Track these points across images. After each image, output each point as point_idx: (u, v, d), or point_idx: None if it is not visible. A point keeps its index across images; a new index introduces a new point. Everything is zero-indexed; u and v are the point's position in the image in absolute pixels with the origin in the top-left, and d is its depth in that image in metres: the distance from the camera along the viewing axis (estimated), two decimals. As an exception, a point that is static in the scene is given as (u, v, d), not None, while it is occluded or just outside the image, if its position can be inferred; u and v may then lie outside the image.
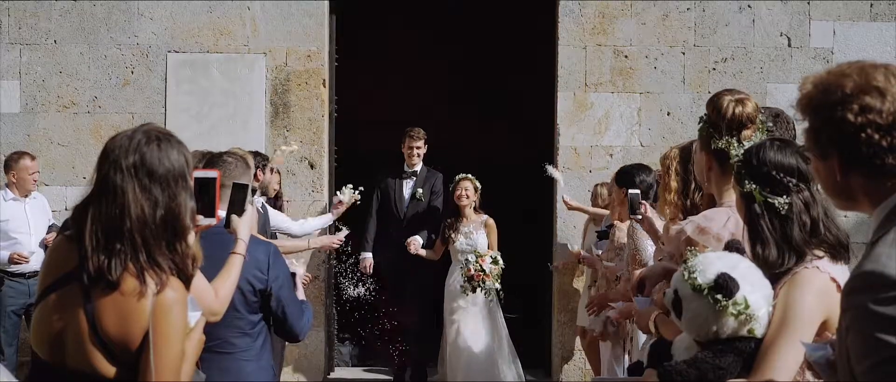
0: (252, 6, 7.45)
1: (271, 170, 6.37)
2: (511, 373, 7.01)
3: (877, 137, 1.76)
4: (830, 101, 1.82)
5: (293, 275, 3.74)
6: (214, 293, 3.10)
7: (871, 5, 7.45)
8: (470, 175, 7.29)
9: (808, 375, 2.44)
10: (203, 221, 2.81)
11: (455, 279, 7.10)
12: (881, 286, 1.66)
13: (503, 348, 7.02)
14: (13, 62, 7.46)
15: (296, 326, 3.56)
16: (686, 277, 2.43)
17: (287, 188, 7.25)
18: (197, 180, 2.70)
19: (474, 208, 7.26)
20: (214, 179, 2.93)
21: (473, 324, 6.97)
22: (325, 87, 7.54)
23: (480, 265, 6.86)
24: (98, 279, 2.32)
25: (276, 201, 6.63)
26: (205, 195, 2.81)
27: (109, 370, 2.37)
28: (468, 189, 7.22)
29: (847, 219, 7.18)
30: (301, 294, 3.79)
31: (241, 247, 3.27)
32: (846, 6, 7.45)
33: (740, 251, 2.53)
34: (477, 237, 7.09)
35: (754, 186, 2.54)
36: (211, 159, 3.74)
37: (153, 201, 2.36)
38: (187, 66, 7.47)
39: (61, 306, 2.37)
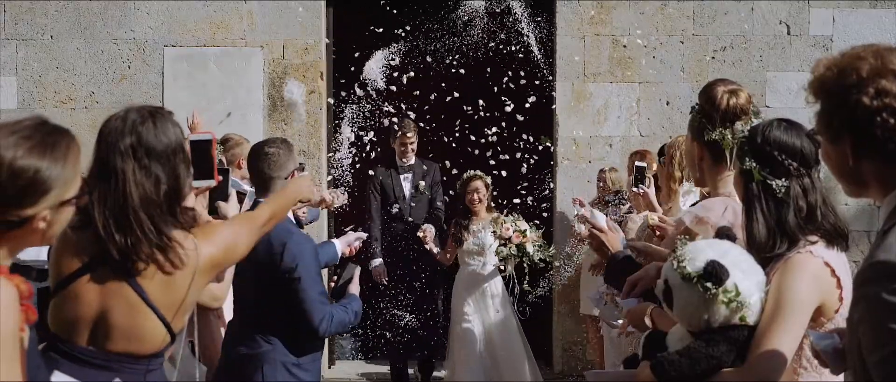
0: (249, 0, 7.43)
1: None
2: (526, 374, 6.72)
3: (892, 121, 1.74)
4: (845, 83, 1.79)
5: (353, 266, 3.71)
6: (215, 279, 3.11)
7: (871, -8, 7.44)
8: (479, 172, 6.94)
9: (804, 362, 2.43)
10: (202, 184, 2.84)
11: (464, 279, 6.85)
12: (894, 275, 1.64)
13: (517, 348, 6.75)
14: (10, 58, 7.43)
15: (313, 319, 3.52)
16: (675, 266, 2.39)
17: (286, 182, 7.22)
18: (192, 143, 2.71)
19: (487, 207, 6.91)
20: (210, 141, 2.94)
21: (484, 326, 6.72)
22: (322, 79, 7.51)
23: (519, 226, 6.51)
24: (127, 261, 2.37)
25: None
26: (201, 158, 2.81)
27: (158, 341, 2.46)
28: (480, 190, 6.84)
29: (848, 207, 7.18)
30: (354, 288, 3.76)
31: None
32: (845, -7, 7.45)
33: (732, 238, 2.50)
34: (485, 236, 6.76)
35: (754, 164, 2.52)
36: (253, 150, 3.75)
37: (154, 179, 2.41)
38: (184, 60, 7.44)
39: (98, 289, 2.41)
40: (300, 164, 3.80)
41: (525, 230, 6.58)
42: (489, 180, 6.97)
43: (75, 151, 2.04)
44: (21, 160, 1.92)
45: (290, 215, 3.74)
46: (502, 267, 6.76)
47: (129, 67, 7.44)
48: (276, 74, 7.46)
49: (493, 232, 6.67)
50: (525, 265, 6.65)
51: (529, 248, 6.53)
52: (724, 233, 2.52)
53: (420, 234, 6.91)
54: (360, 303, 3.79)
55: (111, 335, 2.41)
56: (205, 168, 2.84)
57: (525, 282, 6.69)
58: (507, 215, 6.76)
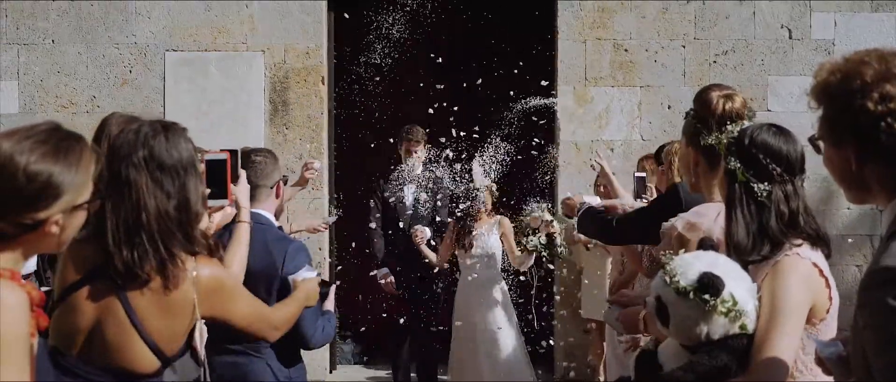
0: (250, 4, 7.42)
1: None
2: (525, 379, 6.69)
3: None
4: (849, 88, 1.78)
5: (328, 284, 3.71)
6: (227, 268, 3.07)
7: (872, -4, 7.43)
8: (486, 182, 6.78)
9: (799, 365, 2.43)
10: (215, 203, 2.83)
11: (467, 283, 6.76)
12: None
13: (517, 354, 6.71)
14: (11, 62, 7.43)
15: (307, 330, 3.49)
16: (668, 282, 2.36)
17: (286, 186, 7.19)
18: (208, 162, 2.71)
19: (488, 212, 6.82)
20: (225, 161, 2.95)
21: (487, 330, 6.66)
22: (324, 84, 7.51)
23: (546, 216, 6.34)
24: (128, 275, 2.36)
25: None
26: (216, 178, 2.81)
27: (146, 363, 2.41)
28: (486, 203, 6.76)
29: (850, 210, 7.16)
30: (329, 305, 3.76)
31: (245, 215, 3.24)
32: (847, -3, 7.44)
33: (714, 249, 2.49)
34: (489, 239, 6.72)
35: (739, 165, 2.52)
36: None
37: (165, 193, 2.40)
38: (185, 64, 7.44)
39: (93, 302, 2.40)
40: (284, 176, 3.80)
41: (552, 220, 6.48)
42: (495, 187, 6.87)
43: (88, 156, 2.07)
44: (34, 165, 1.96)
45: (275, 221, 3.71)
46: (531, 262, 6.60)
47: (130, 72, 7.44)
48: (278, 79, 7.46)
49: (527, 227, 6.46)
50: (547, 256, 6.55)
51: (557, 240, 6.42)
52: (706, 244, 2.52)
53: (413, 232, 6.82)
54: (335, 320, 3.77)
55: (101, 349, 2.39)
56: (219, 188, 2.85)
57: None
58: (531, 207, 6.58)
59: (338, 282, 5.23)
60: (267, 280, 3.46)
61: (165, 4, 7.42)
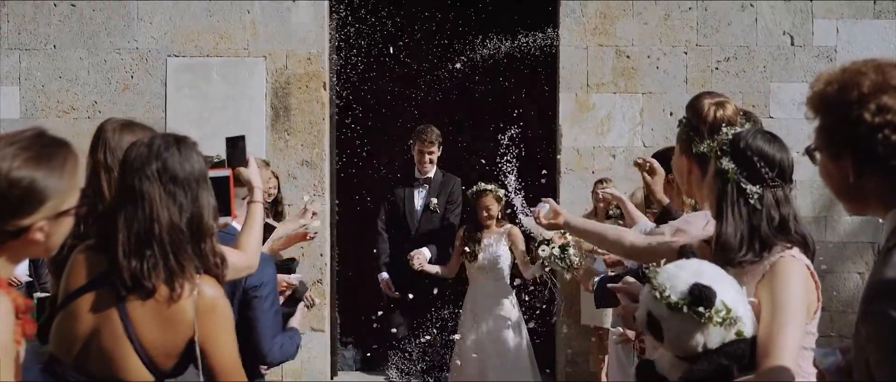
0: (252, 9, 7.43)
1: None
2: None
3: (894, 137, 1.72)
4: (846, 99, 1.77)
5: (298, 300, 3.67)
6: (241, 250, 3.06)
7: (874, 3, 7.41)
8: (492, 186, 6.57)
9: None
10: (219, 220, 2.83)
11: (474, 294, 6.68)
12: None
13: (523, 366, 6.62)
14: (13, 68, 7.44)
15: (264, 345, 3.41)
16: (658, 297, 2.33)
17: (288, 192, 7.20)
18: (211, 180, 2.73)
19: (497, 221, 6.63)
20: (227, 177, 2.99)
21: (493, 342, 6.59)
22: (325, 89, 7.51)
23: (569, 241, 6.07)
24: (134, 286, 2.35)
25: (275, 206, 6.20)
26: (219, 195, 2.83)
27: (138, 376, 2.39)
28: (490, 208, 6.57)
29: (852, 218, 7.14)
30: (296, 322, 3.70)
31: (259, 194, 3.23)
32: (849, 4, 7.42)
33: (695, 256, 2.48)
34: (497, 249, 6.58)
35: (732, 165, 2.54)
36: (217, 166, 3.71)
37: (178, 205, 2.40)
38: (187, 70, 7.44)
39: (92, 309, 2.39)
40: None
41: (564, 232, 6.37)
42: (502, 192, 6.59)
43: (73, 162, 2.05)
44: (17, 171, 1.94)
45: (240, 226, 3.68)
46: (542, 273, 6.53)
47: (131, 77, 7.45)
48: (279, 84, 7.46)
49: (542, 242, 6.38)
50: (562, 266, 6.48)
51: (570, 250, 6.33)
52: (687, 252, 2.51)
53: (409, 258, 6.52)
54: (300, 336, 3.71)
55: (96, 358, 2.38)
56: (223, 205, 2.86)
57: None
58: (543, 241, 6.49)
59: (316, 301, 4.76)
60: (229, 291, 3.41)
61: (167, 9, 7.43)
